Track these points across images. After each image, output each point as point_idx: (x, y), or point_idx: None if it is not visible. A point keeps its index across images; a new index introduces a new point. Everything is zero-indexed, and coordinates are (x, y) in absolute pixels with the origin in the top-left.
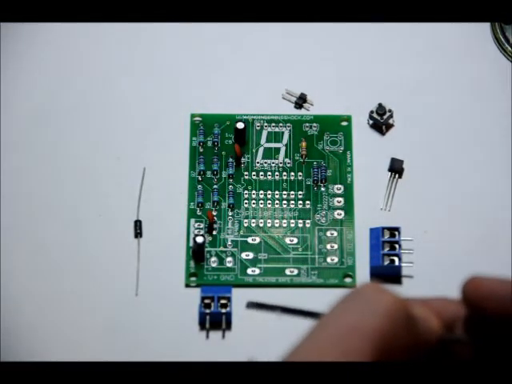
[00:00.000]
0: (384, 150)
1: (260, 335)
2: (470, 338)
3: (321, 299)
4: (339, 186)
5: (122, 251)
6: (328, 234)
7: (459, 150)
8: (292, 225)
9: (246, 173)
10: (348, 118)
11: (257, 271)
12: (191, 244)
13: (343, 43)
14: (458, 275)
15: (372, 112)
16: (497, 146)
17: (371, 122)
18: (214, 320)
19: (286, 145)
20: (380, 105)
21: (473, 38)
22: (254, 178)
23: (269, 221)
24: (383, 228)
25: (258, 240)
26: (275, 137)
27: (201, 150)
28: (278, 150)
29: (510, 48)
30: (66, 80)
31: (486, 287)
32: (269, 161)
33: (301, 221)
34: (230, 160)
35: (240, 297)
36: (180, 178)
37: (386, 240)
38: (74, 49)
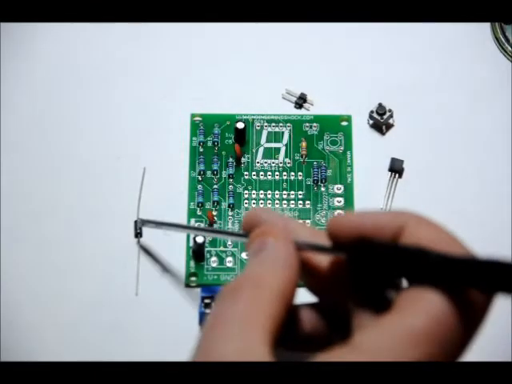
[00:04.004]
0: (384, 150)
1: None
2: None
3: None
4: (339, 185)
5: (122, 251)
6: None
7: (459, 150)
8: None
9: (246, 173)
10: (348, 118)
11: None
12: (191, 244)
13: (343, 43)
14: None
15: (372, 112)
16: (497, 146)
17: (371, 121)
18: None
19: (286, 145)
20: (380, 105)
21: (473, 38)
22: (254, 177)
23: None
24: None
25: None
26: (275, 137)
27: (201, 150)
28: (278, 149)
29: (510, 48)
30: (66, 80)
31: (341, 223)
32: (269, 161)
33: (301, 221)
34: (230, 160)
35: None
36: (180, 178)
37: None
38: (74, 49)
